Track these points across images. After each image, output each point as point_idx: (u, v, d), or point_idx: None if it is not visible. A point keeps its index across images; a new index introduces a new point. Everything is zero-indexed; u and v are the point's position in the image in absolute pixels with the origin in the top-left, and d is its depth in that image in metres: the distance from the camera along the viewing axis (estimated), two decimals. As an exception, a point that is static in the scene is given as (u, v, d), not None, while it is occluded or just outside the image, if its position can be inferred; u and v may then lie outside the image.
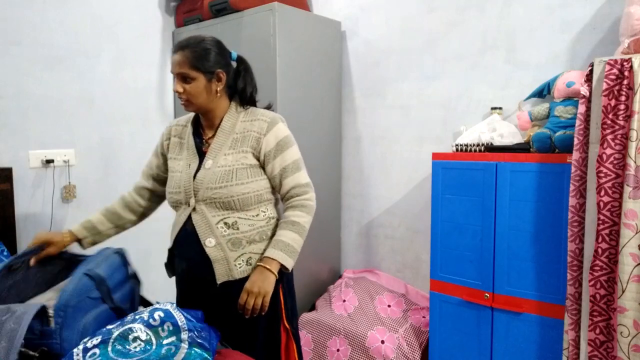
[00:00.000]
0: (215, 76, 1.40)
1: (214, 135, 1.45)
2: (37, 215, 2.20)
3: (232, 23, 2.40)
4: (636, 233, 1.38)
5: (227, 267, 1.39)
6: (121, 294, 1.25)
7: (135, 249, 2.56)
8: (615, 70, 1.41)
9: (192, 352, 1.09)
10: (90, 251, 1.41)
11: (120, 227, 1.57)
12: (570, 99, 1.78)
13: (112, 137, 2.48)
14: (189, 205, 1.41)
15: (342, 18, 2.64)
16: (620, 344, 1.43)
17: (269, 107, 1.55)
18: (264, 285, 1.33)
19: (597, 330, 1.50)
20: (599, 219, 1.45)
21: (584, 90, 1.50)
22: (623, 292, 1.40)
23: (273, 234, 1.45)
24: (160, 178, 1.57)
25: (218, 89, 1.41)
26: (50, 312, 1.04)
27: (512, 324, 1.78)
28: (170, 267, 1.56)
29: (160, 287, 2.76)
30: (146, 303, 1.42)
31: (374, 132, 2.59)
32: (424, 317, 2.23)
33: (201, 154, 1.45)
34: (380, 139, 2.57)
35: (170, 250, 1.53)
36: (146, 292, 1.49)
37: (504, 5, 2.09)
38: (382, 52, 2.51)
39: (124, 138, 2.53)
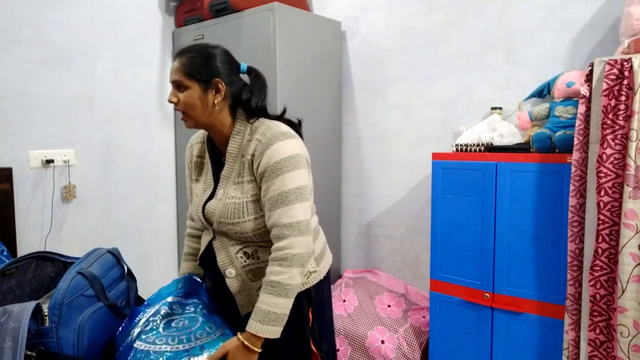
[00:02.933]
0: (212, 86, 1.25)
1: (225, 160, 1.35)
2: (37, 215, 2.20)
3: (232, 23, 2.40)
4: (636, 233, 1.38)
5: (248, 298, 1.34)
6: (116, 292, 1.25)
7: (135, 249, 2.58)
8: (615, 70, 1.41)
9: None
10: (83, 252, 1.40)
11: None
12: (570, 99, 1.78)
13: (112, 137, 2.48)
14: (209, 232, 1.37)
15: (342, 18, 2.64)
16: (620, 344, 1.43)
17: (283, 113, 1.38)
18: None
19: (597, 330, 1.49)
20: (599, 219, 1.45)
21: (584, 90, 1.50)
22: (623, 292, 1.40)
23: None
24: None
25: (216, 101, 1.26)
26: (45, 311, 1.04)
27: (512, 324, 1.78)
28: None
29: (159, 287, 2.75)
30: (143, 302, 1.42)
31: (374, 132, 2.59)
32: (424, 317, 2.23)
33: (217, 180, 1.35)
34: (380, 139, 2.57)
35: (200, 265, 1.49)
36: (146, 292, 1.49)
37: (504, 5, 2.09)
38: (382, 52, 2.51)
39: (124, 138, 2.53)
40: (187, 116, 1.28)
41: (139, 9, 2.56)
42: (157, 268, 2.72)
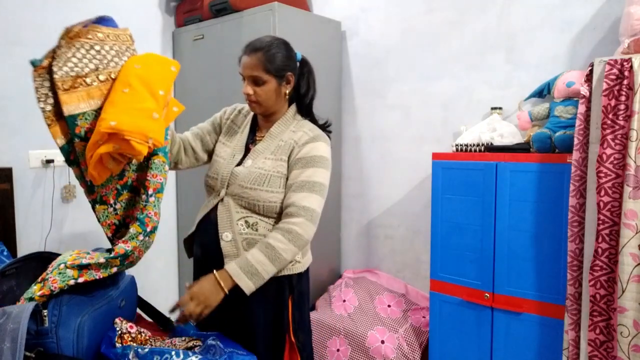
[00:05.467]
0: (285, 79, 1.41)
1: (264, 137, 1.46)
2: (37, 215, 2.20)
3: (232, 23, 2.40)
4: (636, 233, 1.38)
5: None
6: (115, 292, 1.25)
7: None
8: (615, 70, 1.41)
9: None
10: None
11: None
12: (570, 99, 1.78)
13: (112, 137, 2.47)
14: (219, 195, 1.43)
15: (342, 18, 2.64)
16: (620, 344, 1.43)
17: (326, 123, 1.53)
18: (210, 298, 1.23)
19: (597, 330, 1.49)
20: (599, 219, 1.45)
21: (584, 90, 1.50)
22: (623, 292, 1.40)
23: None
24: (206, 144, 1.55)
25: (287, 91, 1.43)
26: (45, 311, 1.03)
27: (512, 324, 1.77)
28: (189, 247, 1.56)
29: (159, 287, 2.77)
30: (143, 303, 1.42)
31: (374, 132, 2.59)
32: (424, 317, 2.23)
33: (247, 151, 1.46)
34: (380, 139, 2.57)
35: (192, 234, 1.53)
36: (145, 292, 1.49)
37: (504, 5, 2.09)
38: (382, 52, 2.51)
39: (124, 138, 2.52)
40: (259, 105, 1.41)
41: (139, 9, 2.56)
42: (156, 268, 2.72)
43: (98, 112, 1.20)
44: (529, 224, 1.72)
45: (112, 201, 1.27)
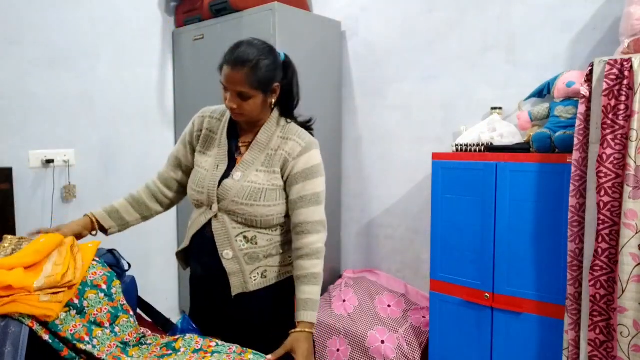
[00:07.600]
0: (271, 91, 1.37)
1: (249, 144, 1.40)
2: (37, 215, 2.20)
3: (232, 23, 2.40)
4: (636, 233, 1.38)
5: (242, 279, 1.37)
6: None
7: (134, 249, 2.57)
8: (615, 70, 1.41)
9: None
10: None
11: (146, 217, 1.53)
12: (570, 99, 1.78)
13: (112, 137, 2.47)
14: (211, 209, 1.38)
15: (342, 18, 2.64)
16: (620, 344, 1.43)
17: (309, 121, 1.50)
18: (311, 352, 1.30)
19: (597, 330, 1.49)
20: (599, 219, 1.45)
21: (584, 90, 1.50)
22: (623, 292, 1.40)
23: (287, 246, 1.44)
24: (187, 169, 1.51)
25: (272, 101, 1.39)
26: None
27: (512, 324, 1.78)
28: (184, 259, 1.52)
29: (159, 288, 2.77)
30: (143, 303, 1.42)
31: (374, 132, 2.59)
32: (424, 317, 2.23)
33: (232, 159, 1.40)
34: (380, 139, 2.57)
35: (186, 248, 1.48)
36: (145, 292, 1.49)
37: (504, 5, 2.09)
38: (382, 52, 2.51)
39: (124, 138, 2.53)
40: (243, 116, 1.36)
41: (139, 9, 2.56)
42: (156, 267, 2.72)
43: None
44: (529, 224, 1.72)
45: (106, 324, 1.20)
